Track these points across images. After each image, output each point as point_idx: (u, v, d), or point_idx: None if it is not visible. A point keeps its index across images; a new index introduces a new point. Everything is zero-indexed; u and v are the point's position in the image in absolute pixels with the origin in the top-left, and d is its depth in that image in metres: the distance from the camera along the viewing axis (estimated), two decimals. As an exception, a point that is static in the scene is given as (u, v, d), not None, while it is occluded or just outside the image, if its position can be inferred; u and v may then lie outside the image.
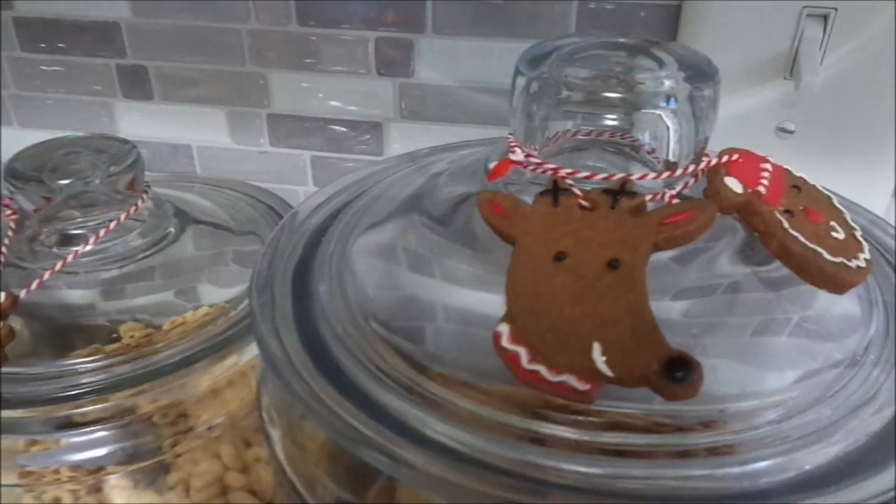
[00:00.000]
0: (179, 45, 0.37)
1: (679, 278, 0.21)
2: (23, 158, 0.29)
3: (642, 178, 0.19)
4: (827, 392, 0.18)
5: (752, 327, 0.20)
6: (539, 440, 0.16)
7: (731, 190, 0.19)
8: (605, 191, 0.18)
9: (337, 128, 0.37)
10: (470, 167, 0.23)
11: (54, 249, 0.29)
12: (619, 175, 0.19)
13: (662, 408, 0.17)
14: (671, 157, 0.20)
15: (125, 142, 0.30)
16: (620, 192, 0.18)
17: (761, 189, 0.19)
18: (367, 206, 0.24)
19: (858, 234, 0.20)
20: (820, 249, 0.18)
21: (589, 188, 0.18)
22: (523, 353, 0.16)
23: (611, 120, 0.20)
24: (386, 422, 0.16)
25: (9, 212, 0.29)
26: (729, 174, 0.19)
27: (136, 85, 0.39)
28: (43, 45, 0.38)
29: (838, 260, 0.18)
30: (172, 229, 0.32)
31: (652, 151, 0.21)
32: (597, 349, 0.16)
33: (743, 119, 0.32)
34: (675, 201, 0.19)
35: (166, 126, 0.40)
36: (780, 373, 0.19)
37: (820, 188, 0.21)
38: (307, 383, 0.17)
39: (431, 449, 0.16)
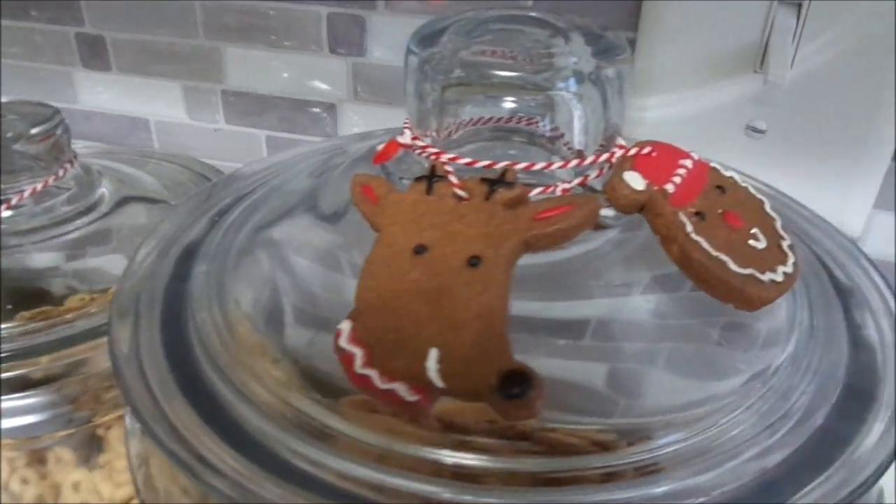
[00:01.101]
0: (136, 16, 0.35)
1: (589, 280, 0.19)
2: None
3: (529, 167, 0.17)
4: (743, 405, 0.16)
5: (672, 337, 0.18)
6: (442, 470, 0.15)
7: (628, 186, 0.16)
8: (484, 180, 0.16)
9: (291, 107, 0.35)
10: (370, 155, 0.21)
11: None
12: (503, 163, 0.17)
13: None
14: (576, 145, 0.18)
15: (50, 108, 0.29)
16: (499, 181, 0.16)
17: (669, 187, 0.17)
18: (261, 201, 0.22)
19: (786, 244, 0.18)
20: (726, 259, 0.16)
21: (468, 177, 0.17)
22: (359, 354, 0.14)
23: (511, 103, 0.18)
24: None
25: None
26: (633, 168, 0.17)
27: (95, 55, 0.38)
28: (6, 11, 0.37)
29: (746, 272, 0.16)
30: (104, 200, 0.30)
31: (560, 137, 0.19)
32: (433, 356, 0.14)
33: (708, 116, 0.29)
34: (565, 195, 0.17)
35: (125, 99, 0.39)
36: (703, 383, 0.18)
37: (752, 190, 0.19)
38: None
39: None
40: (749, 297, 0.16)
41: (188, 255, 0.20)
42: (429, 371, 0.13)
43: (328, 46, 0.33)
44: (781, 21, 0.26)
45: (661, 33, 0.28)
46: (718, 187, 0.18)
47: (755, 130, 0.29)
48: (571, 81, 0.17)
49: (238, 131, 0.37)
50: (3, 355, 0.25)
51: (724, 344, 0.18)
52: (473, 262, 0.15)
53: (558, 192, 0.17)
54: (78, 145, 0.31)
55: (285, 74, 0.35)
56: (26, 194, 0.28)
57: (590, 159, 0.18)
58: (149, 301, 0.18)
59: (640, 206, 0.17)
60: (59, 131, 0.28)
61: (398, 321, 0.14)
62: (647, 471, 0.15)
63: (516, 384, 0.13)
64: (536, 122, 0.19)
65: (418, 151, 0.18)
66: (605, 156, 0.17)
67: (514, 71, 0.17)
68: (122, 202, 0.31)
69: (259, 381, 0.16)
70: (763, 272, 0.16)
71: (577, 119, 0.18)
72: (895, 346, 0.18)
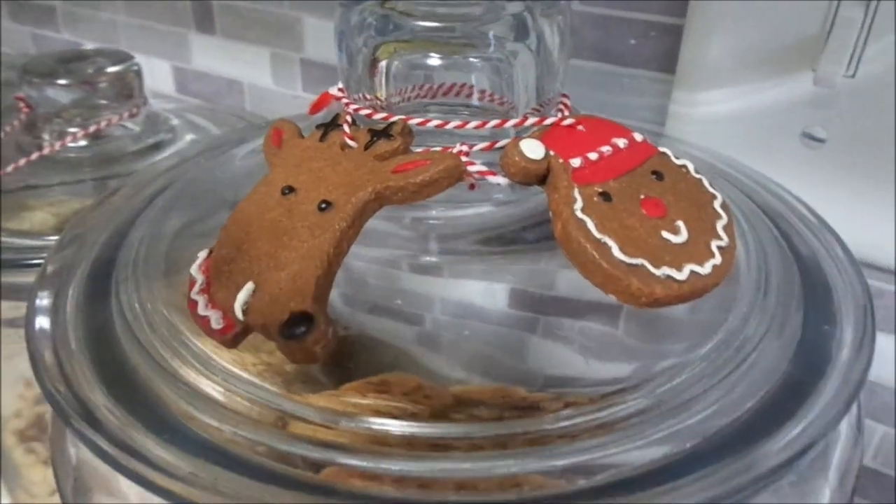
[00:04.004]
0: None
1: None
2: (41, 59, 0.32)
3: (443, 125, 0.16)
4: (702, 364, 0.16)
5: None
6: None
7: (521, 154, 0.15)
8: (371, 131, 0.16)
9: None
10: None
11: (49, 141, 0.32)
12: (399, 117, 0.16)
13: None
14: (509, 105, 0.17)
15: (128, 55, 0.32)
16: (381, 133, 0.16)
17: (575, 162, 0.15)
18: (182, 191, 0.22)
19: (717, 244, 0.15)
20: (610, 243, 0.14)
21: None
22: (199, 281, 0.15)
23: (438, 59, 0.17)
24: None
25: (22, 104, 0.32)
26: (539, 138, 0.16)
27: (205, 18, 0.41)
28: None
29: (634, 261, 0.14)
30: (166, 143, 0.33)
31: (496, 101, 0.18)
32: (246, 290, 0.14)
33: (760, 118, 0.26)
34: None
35: (225, 62, 0.42)
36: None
37: (705, 184, 0.17)
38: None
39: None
40: (628, 288, 0.14)
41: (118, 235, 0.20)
42: (236, 303, 0.13)
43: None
44: (845, 14, 0.23)
45: (711, 21, 0.25)
46: (655, 173, 0.17)
47: (812, 138, 0.25)
48: (499, 33, 0.16)
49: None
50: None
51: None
52: (323, 206, 0.15)
53: (456, 151, 0.16)
54: (184, 102, 0.34)
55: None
56: (91, 129, 0.31)
57: (512, 122, 0.17)
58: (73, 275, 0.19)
59: (540, 178, 0.16)
60: (131, 74, 0.32)
61: (239, 255, 0.15)
62: (615, 428, 0.14)
63: (300, 325, 0.13)
64: (472, 90, 0.18)
65: (346, 102, 0.18)
66: (513, 120, 0.16)
67: (444, 21, 0.17)
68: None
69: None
70: (658, 266, 0.14)
71: (508, 78, 0.17)
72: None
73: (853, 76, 0.24)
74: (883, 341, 0.29)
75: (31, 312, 0.17)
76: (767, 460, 0.14)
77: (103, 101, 0.32)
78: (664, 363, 0.16)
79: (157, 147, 0.34)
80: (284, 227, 0.15)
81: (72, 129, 0.31)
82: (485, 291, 0.20)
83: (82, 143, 0.32)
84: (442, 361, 0.19)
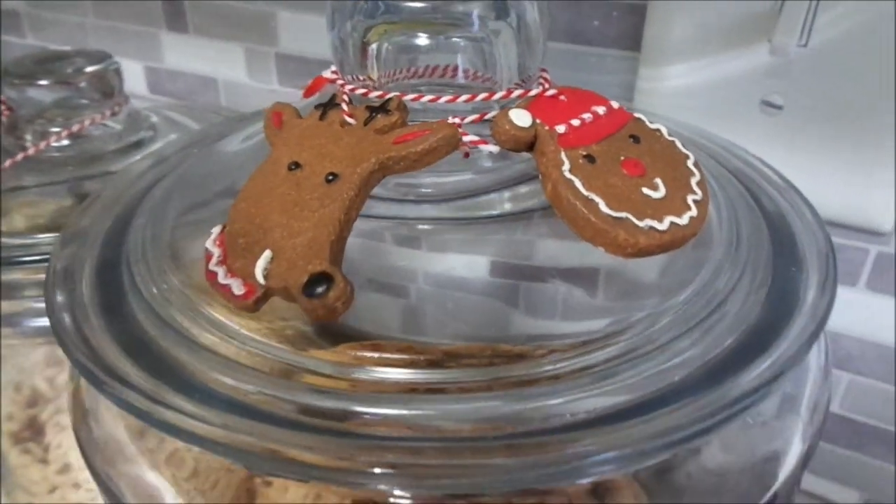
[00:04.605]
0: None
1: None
2: (21, 60, 0.32)
3: (435, 100, 0.17)
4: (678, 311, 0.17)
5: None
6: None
7: (511, 122, 0.16)
8: (369, 108, 0.17)
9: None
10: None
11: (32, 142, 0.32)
12: (393, 94, 0.17)
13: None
14: (492, 82, 0.18)
15: (106, 54, 0.33)
16: (379, 109, 0.17)
17: (560, 128, 0.17)
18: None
19: (692, 198, 0.17)
20: (598, 199, 0.16)
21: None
22: (216, 254, 0.16)
23: (425, 39, 0.18)
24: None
25: (3, 107, 0.32)
26: (526, 108, 0.17)
27: (176, 17, 0.42)
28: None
29: (619, 214, 0.16)
30: (147, 141, 0.34)
31: (480, 79, 0.19)
32: (265, 257, 0.15)
33: (722, 89, 0.27)
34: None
35: (199, 60, 0.42)
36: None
37: (678, 145, 0.18)
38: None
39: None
40: (616, 239, 0.15)
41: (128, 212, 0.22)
42: (256, 269, 0.14)
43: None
44: (796, -14, 0.24)
45: (672, 0, 0.27)
46: (633, 136, 0.18)
47: (771, 105, 0.27)
48: (481, 12, 0.18)
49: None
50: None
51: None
52: (330, 178, 0.16)
53: (448, 126, 0.17)
54: (158, 101, 0.34)
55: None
56: (74, 128, 0.31)
57: (499, 94, 0.18)
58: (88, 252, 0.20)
59: (528, 145, 0.17)
60: (111, 73, 0.32)
61: (253, 228, 0.16)
62: (598, 370, 0.16)
63: (320, 285, 0.14)
64: (457, 69, 0.19)
65: (341, 83, 0.19)
66: (500, 93, 0.18)
67: (427, 1, 0.18)
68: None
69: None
70: (641, 218, 0.16)
71: (490, 56, 0.18)
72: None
73: (805, 45, 0.25)
74: (843, 293, 0.31)
75: (52, 307, 0.17)
76: (742, 388, 0.15)
77: (84, 101, 0.32)
78: (641, 314, 0.18)
79: (139, 145, 0.34)
80: (294, 200, 0.16)
81: (54, 130, 0.32)
82: (467, 261, 0.21)
83: (65, 142, 0.32)
84: (427, 330, 0.20)
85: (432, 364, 0.16)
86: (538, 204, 0.20)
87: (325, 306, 0.13)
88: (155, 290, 0.17)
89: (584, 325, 0.20)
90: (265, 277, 0.14)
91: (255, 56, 0.41)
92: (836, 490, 0.35)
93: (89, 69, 0.32)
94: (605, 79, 0.31)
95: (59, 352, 0.16)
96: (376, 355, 0.16)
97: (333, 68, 0.19)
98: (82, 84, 0.32)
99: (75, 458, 0.33)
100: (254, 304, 0.14)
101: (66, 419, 0.34)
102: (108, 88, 0.32)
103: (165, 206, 0.21)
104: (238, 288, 0.15)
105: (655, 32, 0.28)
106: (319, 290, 0.13)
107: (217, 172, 0.24)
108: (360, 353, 0.16)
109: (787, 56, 0.25)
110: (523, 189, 0.20)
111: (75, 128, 0.32)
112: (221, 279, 0.15)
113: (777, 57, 0.26)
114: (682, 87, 0.28)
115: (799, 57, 0.26)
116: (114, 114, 0.33)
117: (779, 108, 0.27)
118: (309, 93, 0.20)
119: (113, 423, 0.18)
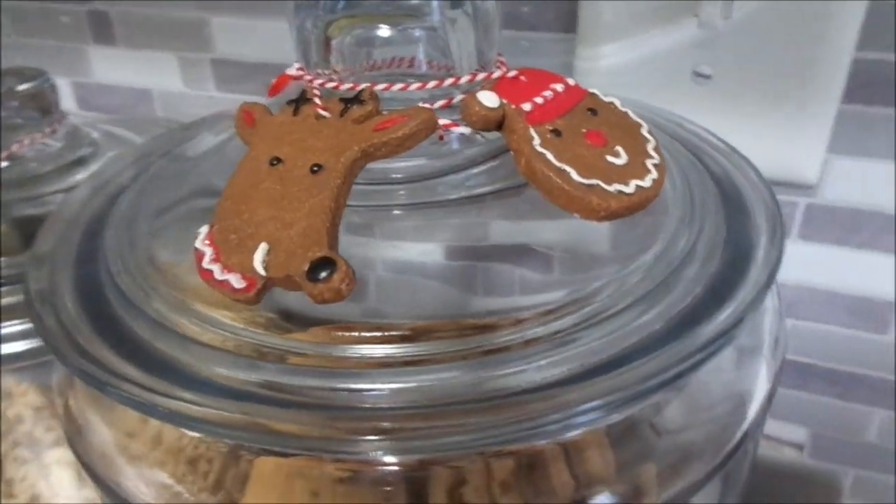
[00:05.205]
0: (134, -10, 0.38)
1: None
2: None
3: (405, 88, 0.18)
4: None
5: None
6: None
7: (480, 103, 0.17)
8: (343, 100, 0.17)
9: (278, 73, 0.37)
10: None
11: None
12: (364, 85, 0.18)
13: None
14: (451, 70, 0.19)
15: (40, 71, 0.32)
16: (353, 100, 0.17)
17: (526, 106, 0.18)
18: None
19: (651, 162, 0.18)
20: (569, 169, 0.17)
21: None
22: (208, 253, 0.16)
23: (385, 31, 0.19)
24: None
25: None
26: (492, 89, 0.18)
27: (103, 31, 0.41)
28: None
29: (590, 182, 0.17)
30: (92, 158, 0.33)
31: (441, 68, 0.20)
32: (262, 250, 0.15)
33: (656, 63, 0.29)
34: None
35: (130, 72, 0.41)
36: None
37: (632, 115, 0.20)
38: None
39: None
40: (589, 205, 0.16)
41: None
42: (255, 262, 0.15)
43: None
44: (717, -39, 0.26)
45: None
46: (590, 109, 0.19)
47: (700, 76, 0.29)
48: (438, 4, 0.18)
49: (230, 98, 0.40)
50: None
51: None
52: (315, 169, 0.16)
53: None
54: (89, 117, 0.33)
55: (270, 41, 0.37)
56: (13, 148, 0.30)
57: (464, 79, 0.19)
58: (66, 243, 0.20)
59: (497, 124, 0.18)
60: (45, 90, 0.31)
61: (243, 223, 0.16)
62: (567, 333, 0.16)
63: (323, 269, 0.14)
64: (416, 60, 0.20)
65: (308, 78, 0.19)
66: (465, 78, 0.18)
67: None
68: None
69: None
70: (610, 184, 0.17)
71: (448, 44, 0.19)
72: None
73: (730, 18, 0.27)
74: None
75: (40, 326, 0.17)
76: (709, 333, 0.16)
77: (19, 121, 0.31)
78: (601, 282, 0.18)
79: (80, 163, 0.33)
80: (281, 193, 0.16)
81: (-10, 153, 0.31)
82: (422, 246, 0.22)
83: (4, 164, 0.31)
84: (389, 314, 0.21)
85: (406, 339, 0.17)
86: (491, 188, 0.20)
87: (332, 289, 0.14)
88: (142, 295, 0.18)
89: (545, 297, 0.21)
90: (265, 269, 0.15)
91: (189, 64, 0.40)
92: (785, 428, 0.38)
93: (21, 87, 0.31)
94: (543, 61, 0.32)
95: (6, 383, 0.16)
96: (355, 334, 0.16)
97: (298, 65, 0.20)
98: (14, 103, 0.31)
99: (44, 487, 0.33)
100: (255, 295, 0.15)
101: (26, 452, 0.33)
102: (45, 106, 0.32)
103: (135, 214, 0.21)
104: (237, 282, 0.15)
105: (590, 14, 0.29)
106: (323, 274, 0.14)
107: (181, 176, 0.24)
108: (336, 333, 0.17)
109: (714, 29, 0.27)
110: (475, 170, 0.21)
111: (14, 148, 0.31)
112: (218, 276, 0.15)
113: (704, 30, 0.28)
114: (618, 64, 0.30)
115: (725, 29, 0.27)
116: (53, 132, 0.32)
117: (708, 77, 0.29)
118: (274, 91, 0.20)
119: (107, 431, 0.18)
